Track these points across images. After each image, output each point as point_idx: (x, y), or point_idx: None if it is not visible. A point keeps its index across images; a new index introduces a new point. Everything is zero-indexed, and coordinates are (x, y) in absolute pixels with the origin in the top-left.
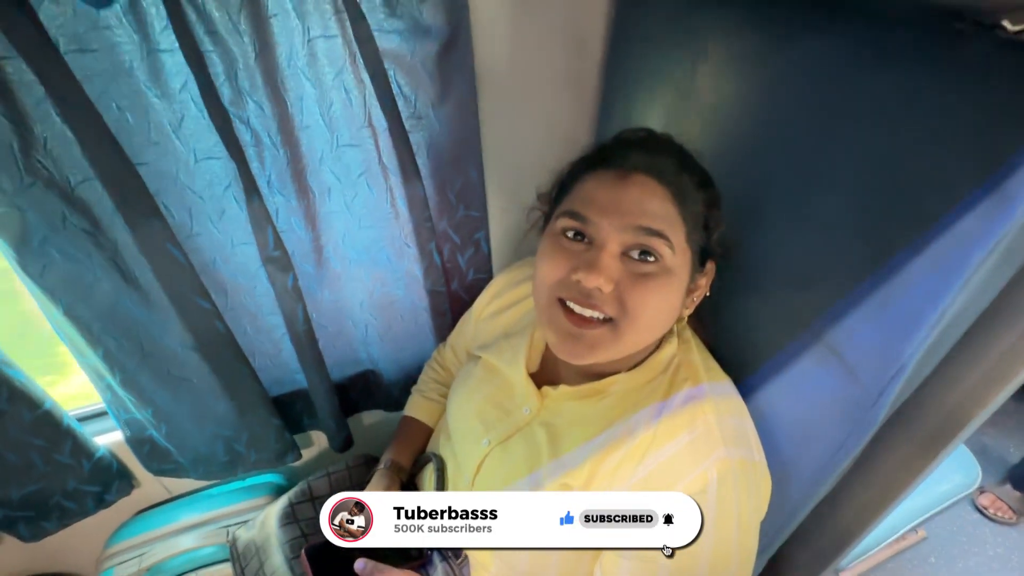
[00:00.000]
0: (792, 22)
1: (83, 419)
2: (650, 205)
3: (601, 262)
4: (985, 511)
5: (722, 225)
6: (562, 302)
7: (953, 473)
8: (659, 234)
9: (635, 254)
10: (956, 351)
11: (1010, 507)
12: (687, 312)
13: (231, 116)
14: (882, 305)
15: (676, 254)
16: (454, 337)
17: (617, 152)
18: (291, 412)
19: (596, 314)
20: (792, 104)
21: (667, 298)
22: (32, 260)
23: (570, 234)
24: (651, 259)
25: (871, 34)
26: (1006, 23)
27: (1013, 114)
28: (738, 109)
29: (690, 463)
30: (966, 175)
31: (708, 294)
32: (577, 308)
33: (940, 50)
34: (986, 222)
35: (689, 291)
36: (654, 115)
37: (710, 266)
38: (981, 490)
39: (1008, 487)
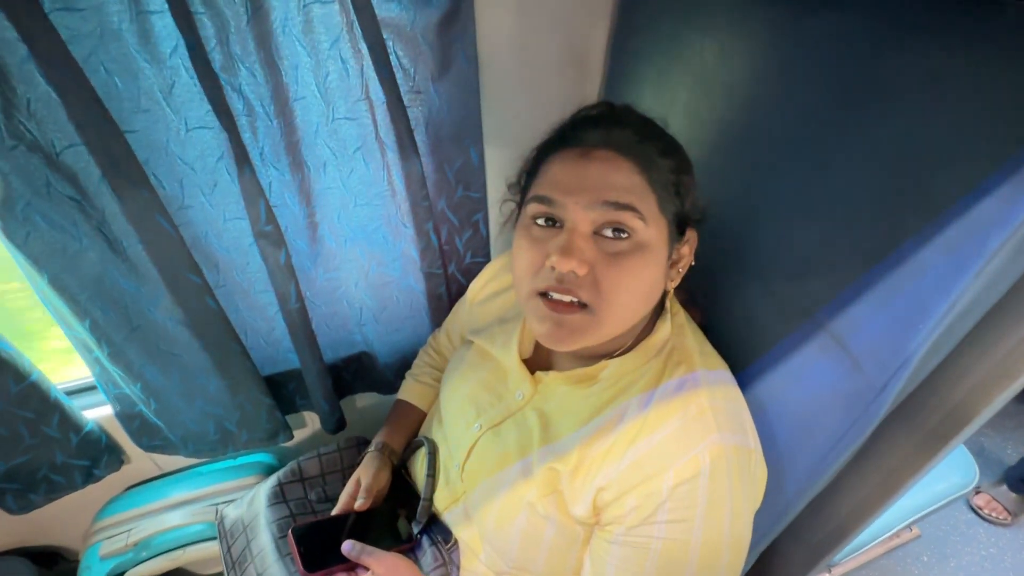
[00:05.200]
0: None
1: (73, 392)
2: (615, 178)
3: (573, 244)
4: (980, 511)
5: (695, 189)
6: (542, 295)
7: (951, 473)
8: (628, 207)
9: (607, 232)
10: (964, 344)
11: (1005, 508)
12: (673, 284)
13: (222, 83)
14: (891, 294)
15: (649, 225)
16: (449, 321)
17: (576, 131)
18: (284, 392)
19: (573, 298)
20: (802, 84)
21: (645, 275)
22: (16, 226)
23: (540, 221)
24: (623, 235)
25: (889, 7)
26: None
27: None
28: (746, 89)
29: (682, 448)
30: (985, 156)
31: (694, 263)
32: (555, 295)
33: (966, 22)
34: (1005, 206)
35: (672, 263)
36: (662, 94)
37: (691, 234)
38: (977, 490)
39: (1004, 488)
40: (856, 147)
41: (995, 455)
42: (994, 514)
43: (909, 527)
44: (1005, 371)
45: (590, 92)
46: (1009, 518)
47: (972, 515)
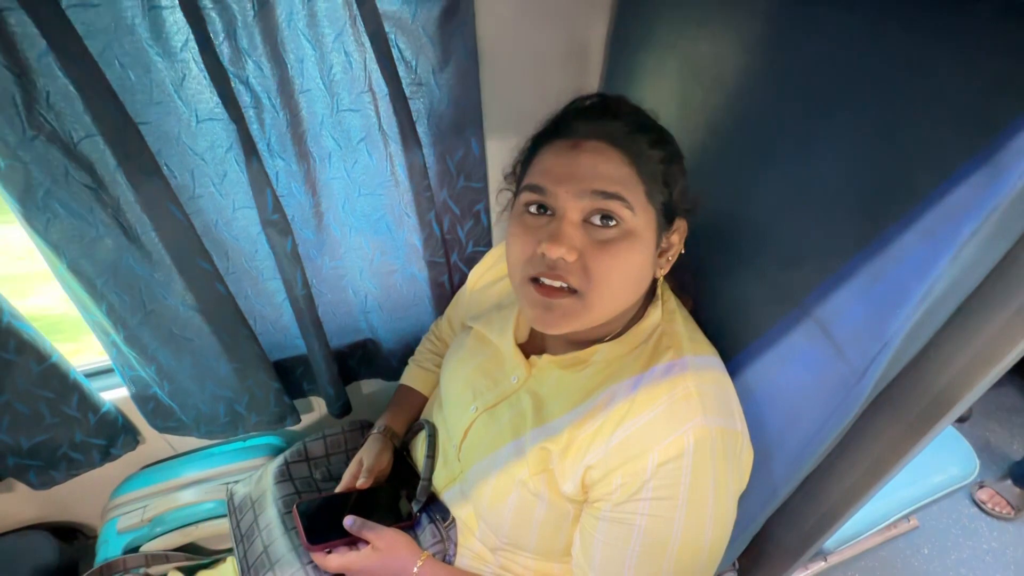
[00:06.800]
0: None
1: (91, 374)
2: (603, 169)
3: (563, 232)
4: (983, 505)
5: (684, 179)
6: (534, 280)
7: (950, 465)
8: (615, 196)
9: (596, 220)
10: (946, 330)
11: (1009, 503)
12: (662, 272)
13: (230, 76)
14: (871, 281)
15: (637, 214)
16: (450, 308)
17: (569, 121)
18: (291, 377)
19: (563, 284)
20: (789, 75)
21: (632, 262)
22: (37, 214)
23: (532, 208)
24: (612, 223)
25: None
26: None
27: (1010, 83)
28: (736, 80)
29: (666, 428)
30: (959, 146)
31: (683, 251)
32: (546, 280)
33: (942, 16)
34: (978, 193)
35: (661, 251)
36: (660, 86)
37: (680, 223)
38: (980, 484)
39: (1008, 483)
40: (841, 137)
41: (1001, 450)
42: (998, 508)
43: (907, 518)
44: (986, 357)
45: (590, 83)
46: (1013, 513)
47: (974, 509)
